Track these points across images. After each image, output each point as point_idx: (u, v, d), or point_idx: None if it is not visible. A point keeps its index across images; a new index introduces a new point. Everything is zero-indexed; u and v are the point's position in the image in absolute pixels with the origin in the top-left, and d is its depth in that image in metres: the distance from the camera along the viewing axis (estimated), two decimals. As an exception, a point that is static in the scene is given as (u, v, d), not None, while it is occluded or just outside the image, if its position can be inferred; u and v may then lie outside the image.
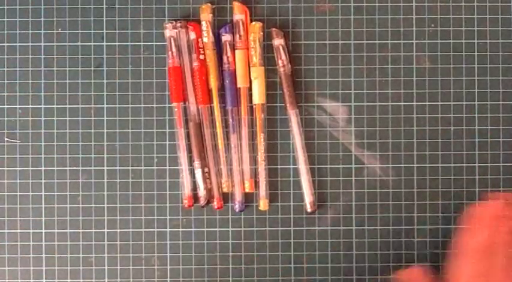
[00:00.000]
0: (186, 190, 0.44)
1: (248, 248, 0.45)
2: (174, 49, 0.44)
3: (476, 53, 0.45)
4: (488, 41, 0.45)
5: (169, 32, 0.44)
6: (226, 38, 0.44)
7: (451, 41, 0.45)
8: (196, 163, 0.44)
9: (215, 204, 0.44)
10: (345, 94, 0.45)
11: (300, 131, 0.44)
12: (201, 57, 0.43)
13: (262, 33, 0.44)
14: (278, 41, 0.44)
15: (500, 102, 0.45)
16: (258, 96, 0.44)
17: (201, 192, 0.44)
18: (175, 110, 0.44)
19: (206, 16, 0.44)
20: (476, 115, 0.45)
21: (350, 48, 0.45)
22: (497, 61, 0.45)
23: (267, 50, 0.45)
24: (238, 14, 0.43)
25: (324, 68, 0.45)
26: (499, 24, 0.45)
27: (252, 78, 0.44)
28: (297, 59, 0.45)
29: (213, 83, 0.44)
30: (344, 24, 0.45)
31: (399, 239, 0.45)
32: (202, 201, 0.44)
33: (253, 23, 0.44)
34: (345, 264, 0.45)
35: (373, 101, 0.45)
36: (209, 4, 0.44)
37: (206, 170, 0.44)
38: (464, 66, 0.45)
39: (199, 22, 0.44)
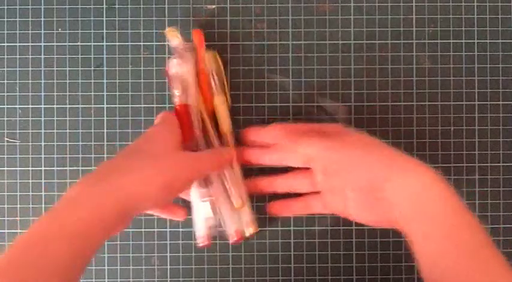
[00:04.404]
0: (201, 232, 0.42)
1: (248, 247, 0.45)
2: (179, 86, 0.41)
3: (476, 53, 0.45)
4: (488, 41, 0.45)
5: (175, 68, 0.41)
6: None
7: (451, 41, 0.45)
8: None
9: (234, 238, 0.42)
10: (345, 94, 0.45)
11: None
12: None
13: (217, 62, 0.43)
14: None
15: (500, 102, 0.45)
16: (224, 125, 0.42)
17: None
18: None
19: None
20: (476, 115, 0.45)
21: (350, 48, 0.45)
22: (497, 61, 0.45)
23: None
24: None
25: (324, 68, 0.45)
26: (499, 24, 0.45)
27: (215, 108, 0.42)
28: (297, 59, 0.45)
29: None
30: (344, 24, 0.45)
31: (399, 239, 0.45)
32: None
33: (207, 52, 0.42)
34: (345, 264, 0.45)
35: (373, 101, 0.45)
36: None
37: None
38: (464, 66, 0.45)
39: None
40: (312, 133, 0.40)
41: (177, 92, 0.41)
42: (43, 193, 0.45)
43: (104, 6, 0.45)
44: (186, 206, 0.43)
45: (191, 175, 0.37)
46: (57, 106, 0.45)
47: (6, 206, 0.45)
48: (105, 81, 0.45)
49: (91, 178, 0.34)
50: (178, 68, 0.41)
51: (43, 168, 0.45)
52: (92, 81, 0.45)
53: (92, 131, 0.45)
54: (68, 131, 0.45)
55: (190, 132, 0.40)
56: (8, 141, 0.45)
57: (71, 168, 0.45)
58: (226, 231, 0.42)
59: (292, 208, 0.43)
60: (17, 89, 0.45)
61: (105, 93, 0.45)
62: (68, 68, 0.45)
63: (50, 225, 0.31)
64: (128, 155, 0.36)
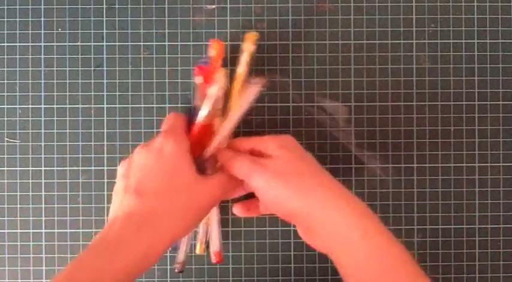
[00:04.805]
0: (214, 247, 0.44)
1: (248, 247, 0.45)
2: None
3: (476, 53, 0.45)
4: (488, 41, 0.45)
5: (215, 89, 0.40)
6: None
7: (451, 41, 0.45)
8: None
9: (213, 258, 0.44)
10: (345, 94, 0.45)
11: None
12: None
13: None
14: None
15: (500, 102, 0.45)
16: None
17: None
18: None
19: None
20: (476, 115, 0.45)
21: (350, 48, 0.45)
22: (497, 61, 0.45)
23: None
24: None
25: (324, 68, 0.45)
26: (499, 24, 0.45)
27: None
28: (297, 59, 0.45)
29: None
30: (344, 24, 0.45)
31: (399, 239, 0.45)
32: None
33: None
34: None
35: (373, 101, 0.45)
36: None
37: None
38: (464, 66, 0.45)
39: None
40: (245, 156, 0.39)
41: (206, 111, 0.40)
42: (43, 193, 0.45)
43: (104, 6, 0.45)
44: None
45: (215, 204, 0.40)
46: (57, 106, 0.45)
47: (6, 206, 0.45)
48: (105, 81, 0.45)
49: (137, 221, 0.35)
50: (220, 91, 0.40)
51: (43, 168, 0.45)
52: (92, 81, 0.45)
53: (92, 131, 0.45)
54: (68, 131, 0.45)
55: (198, 149, 0.40)
56: (8, 141, 0.45)
57: (71, 168, 0.45)
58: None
59: (253, 208, 0.43)
60: (17, 89, 0.45)
61: (105, 93, 0.45)
62: (68, 68, 0.45)
63: (100, 265, 0.34)
64: (159, 193, 0.36)
